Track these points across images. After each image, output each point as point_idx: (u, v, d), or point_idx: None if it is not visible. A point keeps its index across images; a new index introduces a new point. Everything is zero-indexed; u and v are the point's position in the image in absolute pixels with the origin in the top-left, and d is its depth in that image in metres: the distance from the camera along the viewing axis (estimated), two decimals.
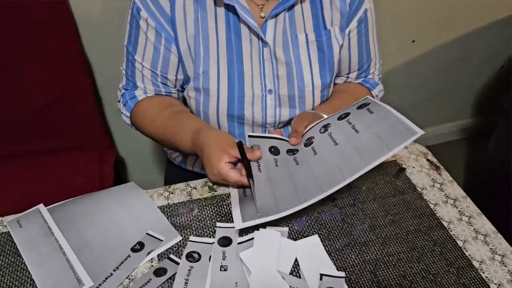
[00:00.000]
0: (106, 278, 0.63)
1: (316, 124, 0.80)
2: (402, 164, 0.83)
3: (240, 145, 0.71)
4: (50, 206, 0.75)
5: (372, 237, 0.69)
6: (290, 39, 0.83)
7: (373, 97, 0.94)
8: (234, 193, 0.74)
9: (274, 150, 0.76)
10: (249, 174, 0.69)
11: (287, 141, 0.80)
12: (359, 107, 0.78)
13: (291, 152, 0.77)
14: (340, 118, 0.77)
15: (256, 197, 0.67)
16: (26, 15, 1.11)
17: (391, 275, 0.64)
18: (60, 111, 1.27)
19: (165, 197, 0.76)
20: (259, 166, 0.73)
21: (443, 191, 0.78)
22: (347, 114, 0.77)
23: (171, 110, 0.85)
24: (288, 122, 0.91)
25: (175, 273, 0.63)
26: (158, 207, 0.74)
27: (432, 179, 0.80)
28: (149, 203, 0.75)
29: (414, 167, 0.83)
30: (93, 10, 1.23)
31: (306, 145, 0.77)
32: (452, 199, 0.76)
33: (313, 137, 0.77)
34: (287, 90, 0.85)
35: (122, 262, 0.65)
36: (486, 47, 1.82)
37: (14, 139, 1.27)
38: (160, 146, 1.57)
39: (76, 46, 1.21)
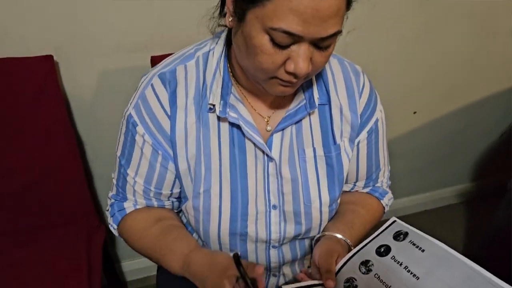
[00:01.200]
0: None
1: (349, 259, 0.71)
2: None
3: (236, 259, 0.61)
4: None
5: None
6: (297, 153, 0.77)
7: (383, 207, 0.88)
8: None
9: None
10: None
11: (322, 285, 0.70)
12: (396, 237, 0.69)
13: None
14: (380, 254, 0.68)
15: None
16: (13, 88, 1.06)
17: None
18: (47, 188, 1.20)
19: None
20: None
21: None
22: (388, 249, 0.69)
23: (158, 227, 0.77)
24: (294, 238, 0.82)
25: None
26: None
27: None
28: None
29: None
30: (85, 83, 1.18)
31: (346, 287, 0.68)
32: None
33: (354, 279, 0.68)
34: (292, 206, 0.78)
35: None
36: (487, 118, 1.82)
37: None
38: None
39: (65, 119, 1.15)
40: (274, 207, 0.77)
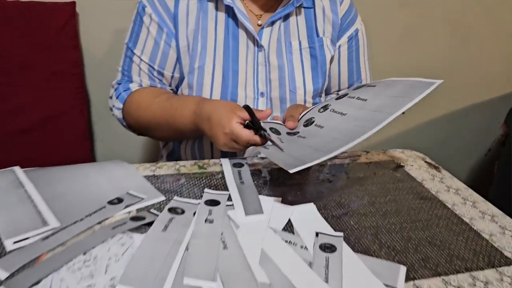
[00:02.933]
0: (75, 222, 0.55)
1: (312, 108, 0.78)
2: (400, 163, 0.81)
3: (248, 108, 0.69)
4: (24, 169, 0.70)
5: (371, 209, 0.64)
6: (284, 45, 0.87)
7: None
8: (231, 182, 0.67)
9: (274, 131, 0.72)
10: (261, 129, 0.66)
11: (284, 125, 0.77)
12: (356, 88, 0.76)
13: (291, 134, 0.73)
14: (338, 98, 0.75)
15: (279, 145, 0.63)
16: (35, 30, 1.15)
17: (394, 238, 0.57)
18: (50, 135, 1.25)
19: (151, 169, 0.71)
20: (265, 147, 0.69)
21: (444, 183, 0.74)
22: (346, 94, 0.75)
23: (167, 95, 0.84)
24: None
25: (154, 221, 0.56)
26: (143, 176, 0.69)
27: (432, 174, 0.76)
28: (132, 171, 0.70)
29: (412, 165, 0.79)
30: (100, 38, 1.28)
31: (306, 125, 0.73)
32: (454, 189, 0.72)
33: (313, 117, 0.74)
34: (278, 92, 0.87)
35: (96, 211, 0.58)
36: (472, 129, 1.87)
37: None
38: None
39: (77, 65, 1.23)
40: (262, 94, 0.85)
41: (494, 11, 1.64)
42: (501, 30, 1.68)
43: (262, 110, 0.71)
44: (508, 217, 0.65)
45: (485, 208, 0.67)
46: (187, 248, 0.51)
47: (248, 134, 0.67)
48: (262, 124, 0.71)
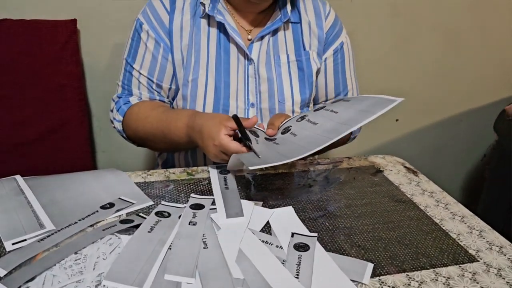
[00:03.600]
0: (69, 225, 0.60)
1: (292, 118, 0.83)
2: (379, 168, 0.84)
3: (236, 118, 0.74)
4: (25, 177, 0.75)
5: (347, 212, 0.68)
6: (273, 58, 0.92)
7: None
8: (216, 187, 0.73)
9: (253, 133, 0.77)
10: (246, 139, 0.71)
11: (264, 132, 0.82)
12: (334, 101, 0.82)
13: (269, 139, 0.79)
14: (316, 110, 0.81)
15: (257, 151, 0.67)
16: (38, 46, 1.21)
17: (365, 238, 0.61)
18: (53, 145, 1.31)
19: (142, 177, 0.76)
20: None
21: (419, 187, 0.77)
22: (323, 107, 0.80)
23: (164, 108, 0.89)
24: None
25: (141, 224, 0.60)
26: (135, 183, 0.74)
27: (409, 178, 0.80)
28: (124, 178, 0.75)
29: (391, 170, 0.83)
30: (102, 57, 1.34)
31: (283, 133, 0.79)
32: (429, 192, 0.76)
33: (291, 126, 0.79)
34: (268, 103, 0.91)
35: (89, 215, 0.63)
36: (468, 134, 1.91)
37: (2, 168, 1.28)
38: None
39: (79, 79, 1.29)
40: (252, 105, 0.90)
41: (484, 18, 1.68)
42: (492, 37, 1.72)
43: (249, 118, 0.76)
44: (477, 218, 0.68)
45: (457, 209, 0.70)
46: (170, 248, 0.56)
47: (235, 146, 0.71)
48: (246, 131, 0.76)
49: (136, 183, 0.73)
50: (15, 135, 1.27)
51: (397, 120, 1.80)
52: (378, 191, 0.75)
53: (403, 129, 1.82)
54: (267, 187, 0.74)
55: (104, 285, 0.48)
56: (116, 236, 0.57)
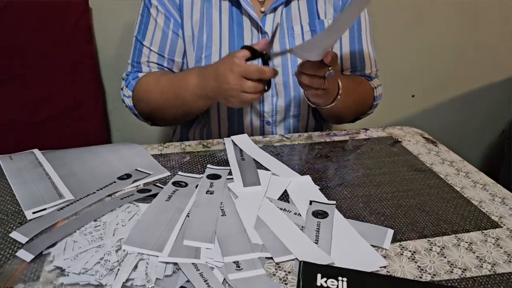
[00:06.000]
0: (88, 195, 0.60)
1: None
2: (397, 138, 0.83)
3: (246, 46, 0.73)
4: (42, 151, 0.75)
5: (365, 180, 0.67)
6: (287, 30, 0.89)
7: (372, 87, 0.94)
8: (232, 158, 0.72)
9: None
10: (265, 56, 0.71)
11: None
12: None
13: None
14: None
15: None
16: (51, 27, 1.22)
17: (385, 205, 0.60)
18: (69, 124, 1.32)
19: (158, 149, 0.76)
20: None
21: (439, 156, 0.76)
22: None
23: (173, 74, 0.88)
24: (285, 112, 0.92)
25: (159, 193, 0.60)
26: (151, 155, 0.74)
27: (428, 148, 0.79)
28: (141, 150, 0.75)
29: (409, 140, 0.82)
30: (114, 36, 1.34)
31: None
32: (449, 161, 0.74)
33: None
34: (282, 78, 0.89)
35: (106, 186, 0.63)
36: (486, 109, 1.87)
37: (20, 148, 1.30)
38: None
39: (92, 58, 1.30)
40: None
41: None
42: (511, 9, 1.67)
43: (258, 43, 0.74)
44: (499, 185, 0.67)
45: (478, 178, 0.69)
46: (188, 215, 0.56)
47: (256, 65, 0.72)
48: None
49: (152, 155, 0.73)
50: (30, 115, 1.28)
51: (413, 96, 1.76)
52: (397, 160, 0.74)
53: (420, 105, 1.78)
54: (284, 157, 0.73)
55: (124, 250, 0.48)
56: (134, 204, 0.58)
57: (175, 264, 0.48)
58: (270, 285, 0.46)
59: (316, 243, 0.52)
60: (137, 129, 1.45)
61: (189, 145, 0.77)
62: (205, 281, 0.45)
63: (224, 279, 0.46)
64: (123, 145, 0.78)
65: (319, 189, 0.64)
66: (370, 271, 0.48)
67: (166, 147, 0.76)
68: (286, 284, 0.46)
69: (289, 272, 0.48)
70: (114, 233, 0.51)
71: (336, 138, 0.82)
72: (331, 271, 0.45)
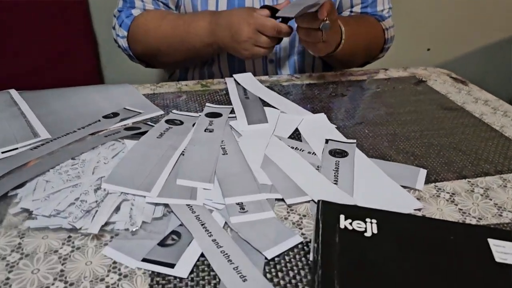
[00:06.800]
0: (67, 134, 0.52)
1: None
2: (422, 78, 0.74)
3: (266, 6, 0.66)
4: (20, 91, 0.66)
5: (389, 119, 0.58)
6: None
7: (382, 28, 0.83)
8: (235, 97, 0.63)
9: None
10: (285, 14, 0.63)
11: None
12: None
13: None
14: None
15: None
16: None
17: (414, 144, 0.52)
18: (61, 70, 1.22)
19: (151, 89, 0.67)
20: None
21: (471, 95, 0.67)
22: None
23: (177, 14, 0.78)
24: (290, 48, 0.80)
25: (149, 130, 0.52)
26: (142, 95, 0.65)
27: (457, 88, 0.69)
28: (131, 90, 0.66)
29: (436, 80, 0.72)
30: None
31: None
32: (483, 100, 0.65)
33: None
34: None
35: (89, 124, 0.55)
36: (506, 64, 1.76)
37: None
38: None
39: (83, 14, 1.20)
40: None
41: None
42: None
43: (280, 3, 0.67)
44: None
45: None
46: (182, 153, 0.48)
47: (273, 21, 0.64)
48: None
49: (144, 95, 0.64)
50: (19, 64, 1.19)
51: (428, 49, 1.66)
52: (423, 99, 0.64)
53: (436, 59, 1.66)
54: (293, 97, 0.64)
55: (104, 189, 0.40)
56: (120, 141, 0.49)
57: (166, 206, 0.40)
58: (281, 230, 0.38)
59: (335, 183, 0.44)
60: (131, 71, 1.36)
61: (186, 85, 0.68)
62: (202, 224, 0.37)
63: (226, 222, 0.38)
64: (112, 86, 0.69)
65: (336, 127, 0.56)
66: (405, 213, 0.40)
67: (159, 87, 0.67)
68: (300, 229, 0.38)
69: (304, 216, 0.40)
70: (93, 171, 0.43)
71: (352, 78, 0.73)
72: (357, 212, 0.36)
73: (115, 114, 0.57)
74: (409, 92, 0.67)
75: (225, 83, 0.68)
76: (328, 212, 0.37)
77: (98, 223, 0.37)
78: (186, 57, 0.79)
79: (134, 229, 0.37)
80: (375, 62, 0.89)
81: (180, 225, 0.38)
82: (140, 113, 0.58)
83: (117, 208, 0.38)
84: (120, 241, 0.36)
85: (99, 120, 0.56)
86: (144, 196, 0.39)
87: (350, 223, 0.36)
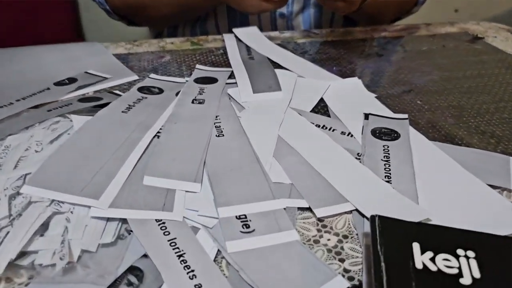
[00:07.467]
0: (1, 107, 0.40)
1: None
2: (477, 34, 0.58)
3: None
4: None
5: (447, 86, 0.42)
6: None
7: None
8: (235, 57, 0.48)
9: None
10: None
11: None
12: None
13: None
14: None
15: None
16: None
17: (491, 122, 0.36)
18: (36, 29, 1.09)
19: (125, 48, 0.51)
20: None
21: None
22: None
23: None
24: (303, 9, 0.66)
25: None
26: (113, 54, 0.49)
27: None
28: (99, 49, 0.50)
29: (495, 37, 0.56)
30: None
31: None
32: None
33: None
34: None
35: (32, 94, 0.40)
36: None
37: None
38: None
39: None
40: None
41: None
42: None
43: None
44: None
45: None
46: (157, 136, 0.33)
47: None
48: None
49: (116, 56, 0.48)
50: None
51: (456, 10, 1.49)
52: (487, 60, 0.49)
53: (465, 20, 1.53)
54: (314, 57, 0.49)
55: (24, 196, 0.25)
56: (67, 118, 0.34)
57: (123, 222, 0.25)
58: (312, 265, 0.23)
59: (388, 181, 0.29)
60: (113, 31, 1.21)
61: (172, 43, 0.52)
62: (179, 256, 0.22)
63: (219, 250, 0.24)
64: (75, 44, 0.53)
65: (376, 97, 0.41)
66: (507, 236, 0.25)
67: (137, 45, 0.51)
68: (341, 260, 0.23)
69: (345, 238, 0.25)
70: (16, 165, 0.28)
71: (387, 34, 0.58)
72: (440, 237, 0.22)
73: (72, 80, 0.42)
74: (465, 51, 0.51)
75: (223, 40, 0.53)
76: (391, 237, 0.22)
77: (7, 255, 0.22)
78: (178, 12, 0.63)
79: (66, 265, 0.23)
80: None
81: (144, 255, 0.23)
82: (106, 78, 0.43)
83: (44, 227, 0.24)
84: (41, 287, 0.21)
85: (48, 88, 0.41)
86: (89, 207, 0.25)
87: (432, 259, 0.22)
